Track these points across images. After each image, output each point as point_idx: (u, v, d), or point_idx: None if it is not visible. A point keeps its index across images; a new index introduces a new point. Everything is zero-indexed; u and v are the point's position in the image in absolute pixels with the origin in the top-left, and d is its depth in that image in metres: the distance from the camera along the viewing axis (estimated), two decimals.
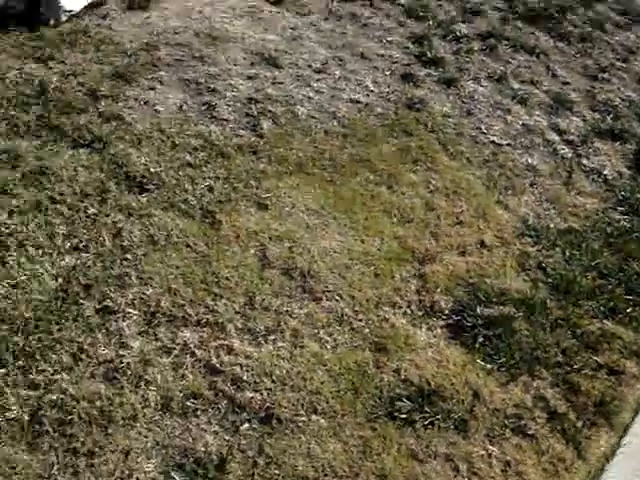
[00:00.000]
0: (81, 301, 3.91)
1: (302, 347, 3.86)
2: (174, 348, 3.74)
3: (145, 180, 4.64)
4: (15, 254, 4.15)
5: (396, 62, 6.38)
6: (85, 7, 6.51)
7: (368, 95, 5.80)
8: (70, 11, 6.39)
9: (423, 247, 4.60)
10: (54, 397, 3.51)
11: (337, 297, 4.15)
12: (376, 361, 3.92)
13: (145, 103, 5.36)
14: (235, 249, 4.25)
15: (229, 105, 5.38)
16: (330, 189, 4.81)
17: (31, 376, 3.59)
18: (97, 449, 3.35)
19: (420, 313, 4.24)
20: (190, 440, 3.44)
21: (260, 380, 3.68)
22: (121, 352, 3.69)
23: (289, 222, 4.48)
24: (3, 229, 4.28)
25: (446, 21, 7.32)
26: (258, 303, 3.99)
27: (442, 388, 3.86)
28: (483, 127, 5.91)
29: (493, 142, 5.79)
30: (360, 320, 4.07)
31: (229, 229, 4.36)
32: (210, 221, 4.41)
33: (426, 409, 3.72)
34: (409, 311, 4.23)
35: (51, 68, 5.75)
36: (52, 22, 6.31)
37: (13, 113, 5.23)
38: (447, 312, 4.28)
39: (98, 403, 3.50)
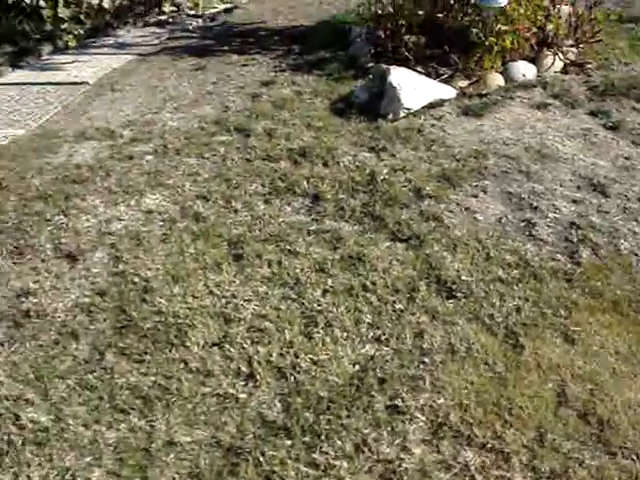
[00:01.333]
0: (373, 393, 3.98)
1: None
2: (454, 466, 3.64)
3: (454, 286, 4.66)
4: (321, 332, 4.36)
5: None
6: (423, 107, 6.86)
7: None
8: (409, 109, 6.77)
9: None
10: None
11: (634, 457, 3.78)
12: None
13: (466, 209, 5.43)
14: (533, 378, 4.07)
15: (549, 226, 5.26)
16: None
17: (313, 455, 3.70)
18: None
19: None
20: None
21: None
22: (402, 455, 3.67)
23: (595, 362, 4.21)
24: (315, 305, 4.54)
25: None
26: (548, 441, 3.76)
27: None
28: None
29: None
30: None
31: (530, 356, 4.20)
32: (513, 343, 4.29)
33: None
34: None
35: (382, 160, 6.10)
36: (390, 116, 6.73)
37: (342, 197, 5.60)
38: None
39: None
